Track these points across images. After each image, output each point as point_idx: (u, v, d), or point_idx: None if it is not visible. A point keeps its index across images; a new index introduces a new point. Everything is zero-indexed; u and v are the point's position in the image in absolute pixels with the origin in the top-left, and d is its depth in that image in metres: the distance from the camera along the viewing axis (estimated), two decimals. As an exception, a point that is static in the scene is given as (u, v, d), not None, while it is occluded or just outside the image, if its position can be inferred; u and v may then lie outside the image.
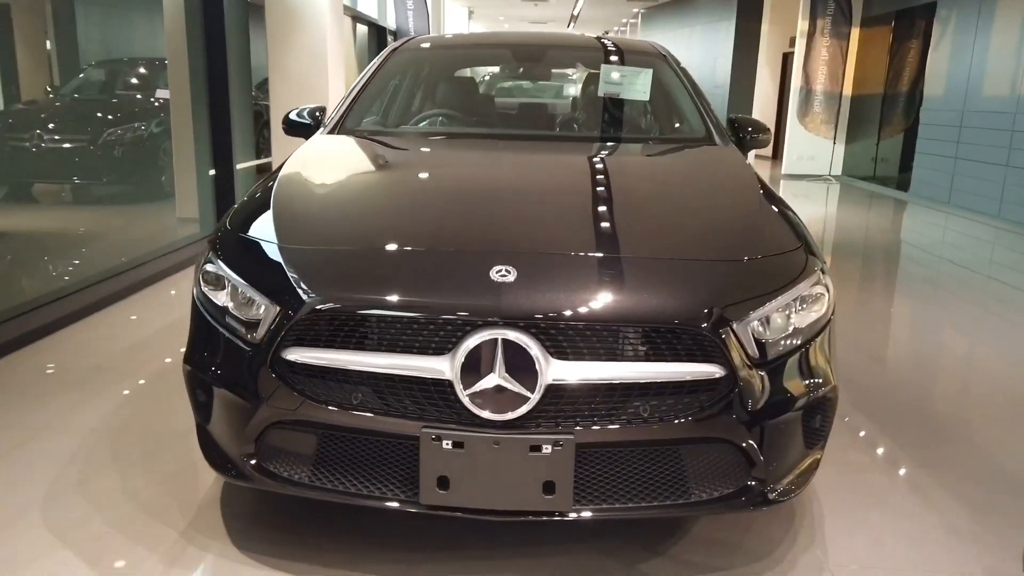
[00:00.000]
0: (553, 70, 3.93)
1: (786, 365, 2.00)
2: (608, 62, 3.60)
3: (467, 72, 4.11)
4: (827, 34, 12.29)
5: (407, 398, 1.90)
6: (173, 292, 5.02)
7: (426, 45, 3.94)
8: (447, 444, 1.85)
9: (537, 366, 1.83)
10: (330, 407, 1.92)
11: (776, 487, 2.02)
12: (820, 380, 2.07)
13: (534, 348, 1.83)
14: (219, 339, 2.09)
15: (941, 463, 2.86)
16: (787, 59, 14.64)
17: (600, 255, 2.09)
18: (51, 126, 8.34)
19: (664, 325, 1.88)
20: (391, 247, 2.11)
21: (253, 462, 2.03)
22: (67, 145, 8.16)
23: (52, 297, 4.16)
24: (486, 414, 1.85)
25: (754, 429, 1.94)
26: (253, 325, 2.01)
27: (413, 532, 2.29)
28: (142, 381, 3.41)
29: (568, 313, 1.86)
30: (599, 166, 2.91)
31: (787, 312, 2.02)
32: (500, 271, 1.94)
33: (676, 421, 1.89)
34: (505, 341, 1.83)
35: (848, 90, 12.68)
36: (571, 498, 1.88)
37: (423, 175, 2.78)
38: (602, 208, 2.40)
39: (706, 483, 1.97)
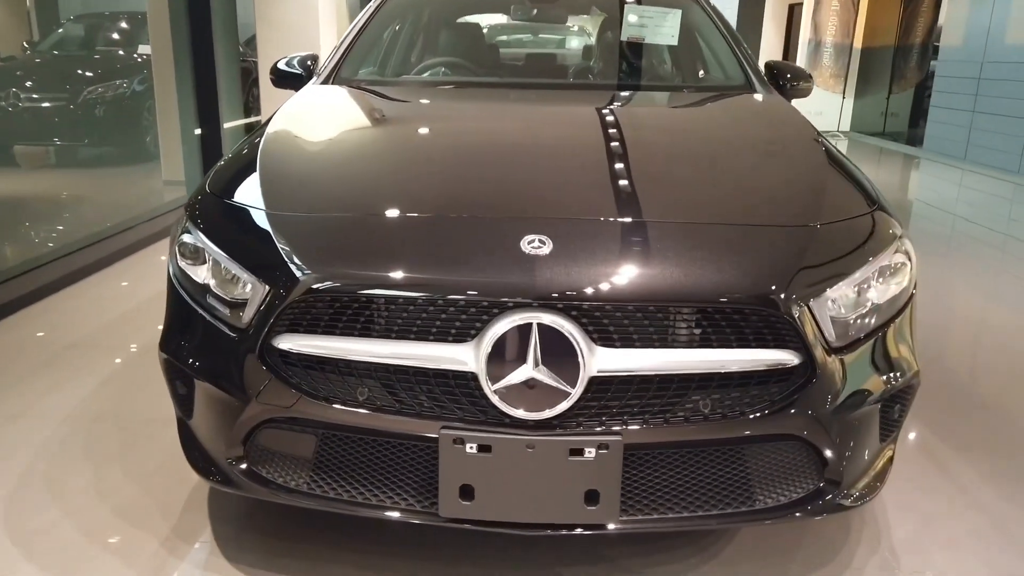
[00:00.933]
0: (570, 13, 3.55)
1: (867, 349, 1.70)
2: (630, 2, 3.23)
3: (473, 17, 3.73)
4: (839, -17, 11.81)
5: (423, 394, 1.60)
6: (163, 258, 4.68)
7: None
8: (471, 448, 1.56)
9: (578, 355, 1.52)
10: (332, 404, 1.62)
11: (851, 490, 1.74)
12: (903, 366, 1.77)
13: (575, 334, 1.52)
14: (199, 323, 1.78)
15: (997, 446, 2.59)
16: (792, 11, 14.12)
17: (649, 221, 1.77)
18: (28, 84, 7.94)
19: (729, 304, 1.57)
20: (399, 214, 1.79)
21: (242, 467, 1.73)
22: (46, 104, 7.77)
23: (30, 266, 3.85)
24: (518, 413, 1.55)
25: (830, 424, 1.65)
26: (239, 305, 1.70)
27: (425, 541, 2.00)
28: (122, 360, 3.11)
29: (615, 292, 1.55)
30: (632, 119, 2.57)
31: (866, 286, 1.72)
32: (532, 241, 1.62)
33: (742, 418, 1.59)
34: (540, 326, 1.52)
35: (859, 42, 12.22)
36: (618, 509, 1.59)
37: (431, 130, 2.44)
38: (644, 166, 2.07)
39: (773, 487, 1.68)
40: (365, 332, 1.61)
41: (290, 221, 1.79)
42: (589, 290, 1.54)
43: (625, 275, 1.58)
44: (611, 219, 1.76)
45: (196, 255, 1.82)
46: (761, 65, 3.03)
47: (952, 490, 2.30)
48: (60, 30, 9.23)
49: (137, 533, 2.02)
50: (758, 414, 1.59)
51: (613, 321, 1.55)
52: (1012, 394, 3.03)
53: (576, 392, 1.53)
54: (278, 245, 1.69)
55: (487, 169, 2.06)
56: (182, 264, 1.85)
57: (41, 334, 3.39)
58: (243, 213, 1.85)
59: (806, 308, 1.59)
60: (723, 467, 1.65)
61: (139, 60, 8.32)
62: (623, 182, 1.97)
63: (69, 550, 1.95)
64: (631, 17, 3.09)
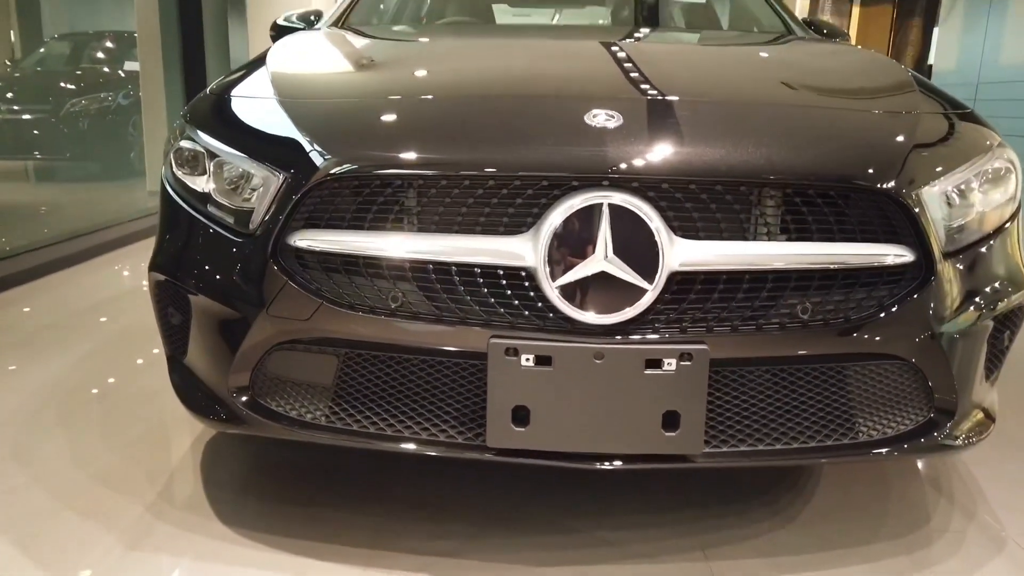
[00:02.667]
0: None
1: (978, 256, 1.47)
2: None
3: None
4: (828, 12, 11.89)
5: (469, 296, 1.34)
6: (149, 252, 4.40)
7: None
8: (527, 360, 1.29)
9: (658, 245, 1.28)
10: (358, 312, 1.35)
11: (961, 427, 1.49)
12: (1015, 280, 1.54)
13: (654, 219, 1.28)
14: (199, 232, 1.52)
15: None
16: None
17: (735, 100, 1.55)
18: (8, 97, 7.73)
19: (832, 187, 1.33)
20: (438, 94, 1.56)
21: (245, 398, 1.45)
22: (26, 116, 7.54)
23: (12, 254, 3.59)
24: (585, 316, 1.29)
25: (942, 342, 1.40)
26: (246, 213, 1.44)
27: (445, 504, 1.72)
28: (101, 339, 2.81)
29: (699, 169, 1.31)
30: (686, 38, 2.35)
31: (970, 189, 1.49)
32: (598, 116, 1.38)
33: (846, 325, 1.34)
34: (612, 209, 1.27)
35: (848, 70, 12.28)
36: (702, 436, 1.33)
37: (464, 40, 2.22)
38: (714, 60, 1.85)
39: (877, 417, 1.43)
40: (398, 225, 1.36)
41: (307, 106, 1.54)
42: (670, 166, 1.30)
43: (710, 151, 1.34)
44: (689, 98, 1.53)
45: (195, 163, 1.57)
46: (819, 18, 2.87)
47: (1040, 454, 2.05)
48: (42, 48, 9.05)
49: (119, 498, 1.72)
50: (865, 321, 1.34)
51: (697, 205, 1.31)
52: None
53: (655, 289, 1.28)
54: (293, 129, 1.44)
55: (534, 59, 1.84)
56: (179, 173, 1.59)
57: (12, 319, 3.09)
58: (250, 105, 1.61)
59: (918, 198, 1.36)
60: (822, 391, 1.40)
61: (123, 76, 8.13)
62: (693, 68, 1.74)
63: (39, 514, 1.65)
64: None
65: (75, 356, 2.61)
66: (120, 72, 8.35)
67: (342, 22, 2.64)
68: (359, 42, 2.15)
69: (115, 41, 9.20)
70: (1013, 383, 2.54)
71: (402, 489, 1.77)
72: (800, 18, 2.88)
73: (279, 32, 2.79)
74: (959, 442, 1.46)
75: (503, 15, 3.22)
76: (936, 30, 10.18)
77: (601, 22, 3.15)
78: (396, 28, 2.67)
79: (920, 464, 1.95)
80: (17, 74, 8.42)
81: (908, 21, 11.32)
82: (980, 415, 1.52)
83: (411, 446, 1.38)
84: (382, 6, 2.95)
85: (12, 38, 9.40)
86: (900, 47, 11.39)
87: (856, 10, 12.17)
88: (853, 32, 12.13)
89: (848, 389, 1.41)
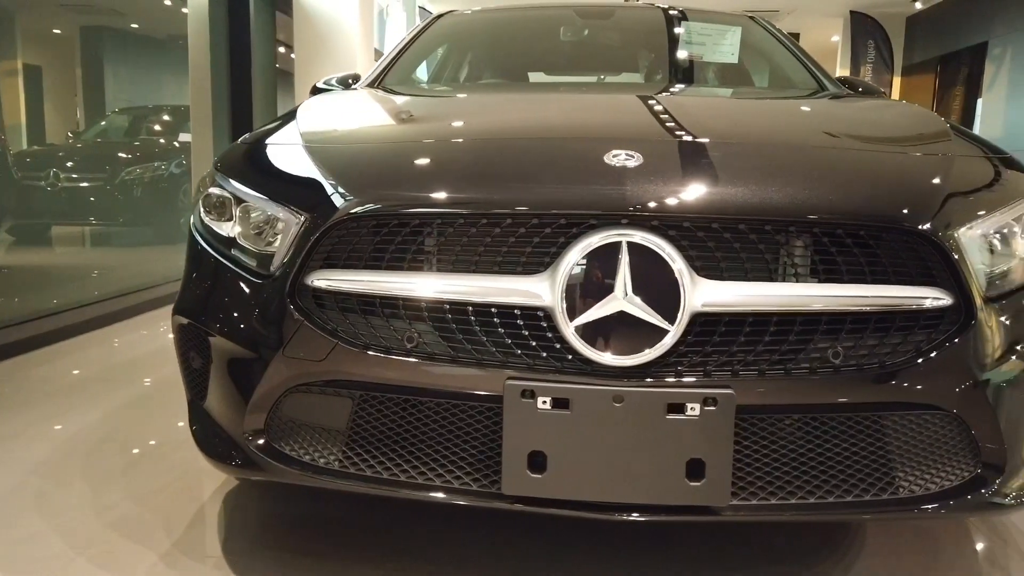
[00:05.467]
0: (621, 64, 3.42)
1: (1021, 304, 1.39)
2: (682, 24, 3.09)
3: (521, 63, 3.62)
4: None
5: (486, 337, 1.31)
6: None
7: (469, 15, 3.46)
8: (544, 403, 1.25)
9: (679, 285, 1.24)
10: (372, 353, 1.33)
11: (1012, 484, 1.39)
12: (1063, 329, 1.45)
13: (675, 258, 1.24)
14: (222, 276, 1.53)
15: None
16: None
17: (762, 142, 1.53)
18: (69, 166, 8.09)
19: (865, 224, 1.29)
20: (459, 139, 1.57)
21: (260, 442, 1.43)
22: (84, 184, 7.87)
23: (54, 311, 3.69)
24: (604, 357, 1.25)
25: (986, 392, 1.32)
26: (267, 257, 1.45)
27: (467, 554, 1.66)
28: (134, 393, 2.83)
29: (722, 206, 1.28)
30: (715, 93, 2.35)
31: (1011, 233, 1.43)
32: (619, 155, 1.37)
33: (881, 371, 1.28)
34: (631, 247, 1.24)
35: (891, 139, 12.22)
36: (728, 488, 1.26)
37: (493, 95, 2.25)
38: (740, 107, 1.84)
39: (919, 471, 1.34)
40: (415, 265, 1.35)
41: (329, 151, 1.56)
42: (691, 204, 1.27)
43: (733, 190, 1.31)
44: (712, 139, 1.51)
45: (222, 209, 1.59)
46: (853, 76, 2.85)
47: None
48: (103, 122, 9.51)
49: (133, 547, 1.69)
50: (902, 367, 1.27)
51: (720, 245, 1.27)
52: None
53: (676, 331, 1.24)
54: (315, 172, 1.46)
55: (557, 108, 1.85)
56: (206, 219, 1.61)
57: (56, 369, 3.15)
58: (277, 152, 1.63)
59: (955, 240, 1.30)
60: (859, 441, 1.32)
61: (177, 147, 8.49)
62: (721, 113, 1.73)
63: (53, 560, 1.63)
64: (691, 34, 2.94)
65: (110, 408, 2.62)
66: (175, 143, 8.72)
67: (378, 83, 2.71)
68: (388, 98, 2.20)
69: (171, 114, 9.63)
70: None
71: (420, 542, 1.71)
72: (836, 77, 2.87)
73: (318, 94, 2.87)
74: (1009, 500, 1.36)
75: (538, 80, 3.28)
76: (980, 100, 10.10)
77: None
78: (427, 87, 2.74)
79: (973, 528, 1.82)
80: (79, 145, 8.84)
81: (951, 91, 11.28)
82: (1032, 472, 1.41)
83: (424, 493, 1.34)
84: (418, 72, 3.02)
85: (78, 114, 9.95)
86: (943, 116, 11.32)
87: (897, 80, 12.19)
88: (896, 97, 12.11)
89: (886, 440, 1.33)
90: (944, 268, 1.28)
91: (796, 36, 13.53)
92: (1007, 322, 1.36)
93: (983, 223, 1.36)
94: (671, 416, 1.24)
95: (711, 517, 1.28)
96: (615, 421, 1.24)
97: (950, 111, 11.27)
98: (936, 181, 1.40)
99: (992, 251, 1.39)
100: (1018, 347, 1.36)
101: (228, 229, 1.56)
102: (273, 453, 1.42)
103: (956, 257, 1.28)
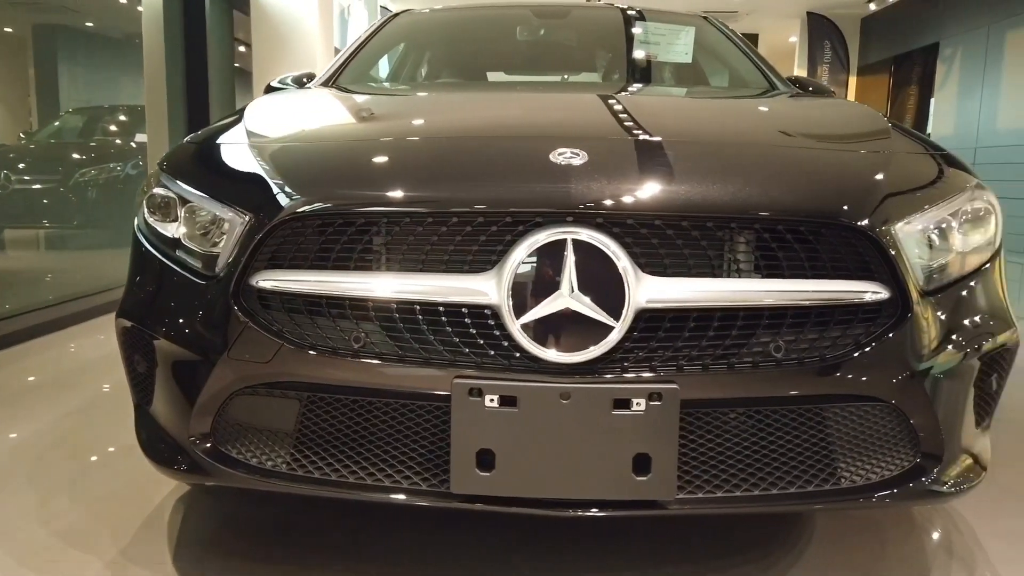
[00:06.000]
0: (580, 64, 3.44)
1: (958, 295, 1.43)
2: (639, 26, 3.11)
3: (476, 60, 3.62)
4: (825, 83, 12.13)
5: (433, 336, 1.31)
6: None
7: (426, 14, 3.45)
8: (491, 401, 1.25)
9: (624, 282, 1.25)
10: (319, 354, 1.32)
11: (950, 472, 1.42)
12: (999, 320, 1.49)
13: (619, 255, 1.25)
14: (166, 278, 1.50)
15: None
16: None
17: (706, 141, 1.55)
18: (21, 167, 7.90)
19: (804, 223, 1.31)
20: (406, 137, 1.56)
21: (207, 446, 1.41)
22: (36, 187, 7.69)
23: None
24: (550, 354, 1.26)
25: (924, 383, 1.35)
26: (212, 259, 1.43)
27: (426, 555, 1.65)
28: (87, 398, 2.77)
29: (666, 204, 1.29)
30: (657, 93, 2.37)
31: (948, 229, 1.47)
32: (564, 153, 1.38)
33: (821, 364, 1.30)
34: (577, 245, 1.25)
35: (848, 138, 12.45)
36: (675, 481, 1.27)
37: (444, 94, 2.25)
38: (685, 105, 1.86)
39: (860, 462, 1.37)
40: (362, 265, 1.34)
41: (274, 150, 1.55)
42: (635, 201, 1.28)
43: (677, 187, 1.33)
44: (657, 137, 1.52)
45: (167, 210, 1.56)
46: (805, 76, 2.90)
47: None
48: (57, 122, 9.30)
49: (79, 556, 1.66)
50: (841, 360, 1.30)
51: (664, 242, 1.29)
52: None
53: (621, 327, 1.25)
54: (259, 171, 1.45)
55: (508, 106, 1.86)
56: (150, 220, 1.58)
57: (20, 368, 3.07)
58: (223, 151, 1.61)
59: (892, 235, 1.33)
60: (801, 433, 1.34)
61: (133, 147, 8.33)
62: (666, 112, 1.75)
63: (-9, 572, 1.59)
64: (645, 34, 2.97)
65: (61, 413, 2.57)
66: (131, 144, 8.56)
67: (332, 82, 2.68)
68: (339, 97, 2.19)
69: (127, 114, 9.45)
70: (1012, 435, 2.47)
71: (375, 543, 1.70)
72: (787, 76, 2.91)
73: (272, 93, 2.84)
74: (947, 488, 1.40)
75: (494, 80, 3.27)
76: (933, 99, 10.34)
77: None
78: (381, 86, 2.72)
79: (918, 517, 1.87)
80: (32, 146, 8.63)
81: (905, 90, 11.54)
82: (969, 461, 1.45)
83: (373, 494, 1.33)
84: (375, 69, 3.01)
85: (31, 114, 9.71)
86: (898, 115, 11.57)
87: (853, 80, 12.42)
88: (852, 98, 12.34)
89: (828, 432, 1.35)
90: (881, 262, 1.31)
91: (755, 37, 13.74)
92: (944, 315, 1.39)
93: (920, 218, 1.40)
94: (617, 412, 1.25)
95: (658, 511, 1.30)
96: (562, 418, 1.25)
97: (904, 110, 11.53)
98: (874, 178, 1.43)
99: (931, 246, 1.42)
100: (954, 338, 1.39)
101: (173, 230, 1.53)
102: (220, 457, 1.41)
103: (893, 251, 1.31)
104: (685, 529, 1.77)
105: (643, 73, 3.04)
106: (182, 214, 1.52)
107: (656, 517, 1.61)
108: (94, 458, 2.19)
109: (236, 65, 8.90)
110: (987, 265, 1.52)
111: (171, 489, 1.97)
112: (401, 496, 1.32)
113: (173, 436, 1.47)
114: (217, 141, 1.67)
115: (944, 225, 1.45)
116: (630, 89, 2.40)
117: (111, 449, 2.26)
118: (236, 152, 1.58)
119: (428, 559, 1.65)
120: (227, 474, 1.40)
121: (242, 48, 8.91)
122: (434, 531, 1.75)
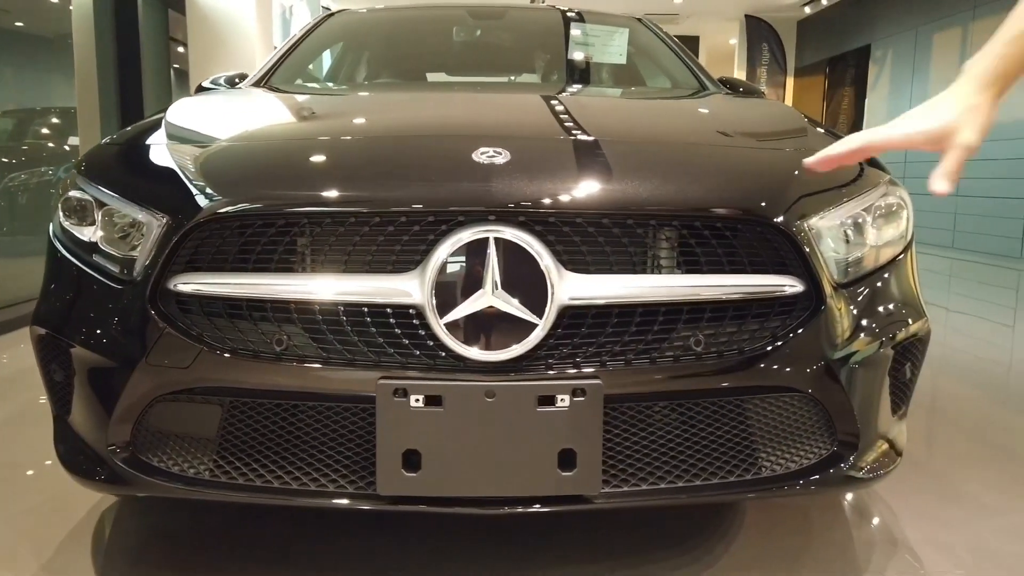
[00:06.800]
0: (518, 65, 3.46)
1: (871, 287, 1.48)
2: (576, 28, 3.14)
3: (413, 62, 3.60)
4: (763, 84, 12.40)
5: (357, 337, 1.30)
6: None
7: (362, 14, 3.42)
8: (417, 401, 1.25)
9: (547, 280, 1.26)
10: (240, 358, 1.30)
11: (866, 458, 1.47)
12: (911, 310, 1.55)
13: (542, 253, 1.26)
14: (83, 284, 1.46)
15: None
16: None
17: (626, 140, 1.57)
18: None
19: (722, 219, 1.34)
20: (327, 137, 1.55)
21: (126, 455, 1.37)
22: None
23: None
24: (474, 353, 1.26)
25: (839, 373, 1.40)
26: (130, 262, 1.40)
27: (374, 555, 1.64)
28: (18, 407, 2.68)
29: (587, 202, 1.31)
30: (592, 89, 2.40)
31: (861, 223, 1.52)
32: (486, 152, 1.38)
33: (740, 357, 1.33)
34: (499, 243, 1.26)
35: (786, 137, 12.75)
36: (599, 475, 1.29)
37: (374, 93, 2.24)
38: (611, 106, 1.89)
39: (780, 451, 1.41)
40: (284, 266, 1.32)
41: (195, 152, 1.52)
42: (557, 200, 1.30)
43: (597, 185, 1.34)
44: (578, 136, 1.54)
45: (83, 213, 1.52)
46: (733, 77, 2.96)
47: (965, 496, 2.04)
48: (-14, 125, 8.95)
49: (-4, 572, 1.60)
50: (759, 352, 1.33)
51: (586, 239, 1.30)
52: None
53: (545, 324, 1.26)
54: (177, 173, 1.42)
55: (435, 106, 1.86)
56: (66, 224, 1.54)
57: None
58: (141, 153, 1.58)
59: (805, 231, 1.37)
60: (722, 425, 1.37)
61: (67, 150, 8.08)
62: (590, 113, 1.78)
63: (-100, 593, 1.52)
64: (579, 35, 2.99)
65: (-23, 428, 2.47)
66: (65, 147, 8.29)
67: (264, 82, 2.64)
68: (267, 97, 2.16)
69: (60, 117, 9.16)
70: (938, 420, 2.56)
71: (308, 547, 1.68)
72: (718, 77, 2.97)
73: (203, 93, 2.78)
74: (864, 474, 1.44)
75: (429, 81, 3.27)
76: (867, 99, 10.67)
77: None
78: (312, 86, 2.69)
79: (843, 502, 1.93)
80: (-42, 149, 8.29)
81: (839, 91, 11.87)
82: (885, 446, 1.51)
83: (299, 498, 1.31)
84: (311, 69, 2.97)
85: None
86: (834, 115, 11.91)
87: (791, 81, 12.73)
88: (789, 102, 12.67)
89: (749, 423, 1.38)
90: (796, 257, 1.35)
91: (696, 39, 13.99)
92: (858, 306, 1.44)
93: (834, 213, 1.44)
94: (542, 408, 1.26)
95: (584, 506, 1.31)
96: (487, 416, 1.25)
97: (840, 110, 11.86)
98: (787, 173, 1.46)
99: (845, 240, 1.47)
100: (868, 329, 1.44)
101: (90, 234, 1.49)
102: (140, 466, 1.37)
103: (807, 246, 1.35)
104: (625, 522, 1.79)
105: (579, 74, 3.06)
106: (99, 217, 1.48)
107: (589, 512, 1.62)
108: (22, 471, 2.12)
109: (176, 66, 8.69)
110: (900, 257, 1.58)
111: (96, 501, 1.91)
112: (327, 500, 1.31)
113: (92, 446, 1.43)
114: (136, 142, 1.63)
115: (858, 220, 1.50)
116: (561, 89, 2.43)
117: (41, 461, 2.18)
118: (154, 153, 1.54)
119: (359, 560, 1.63)
120: (148, 483, 1.37)
121: (181, 49, 8.72)
122: (375, 535, 1.74)
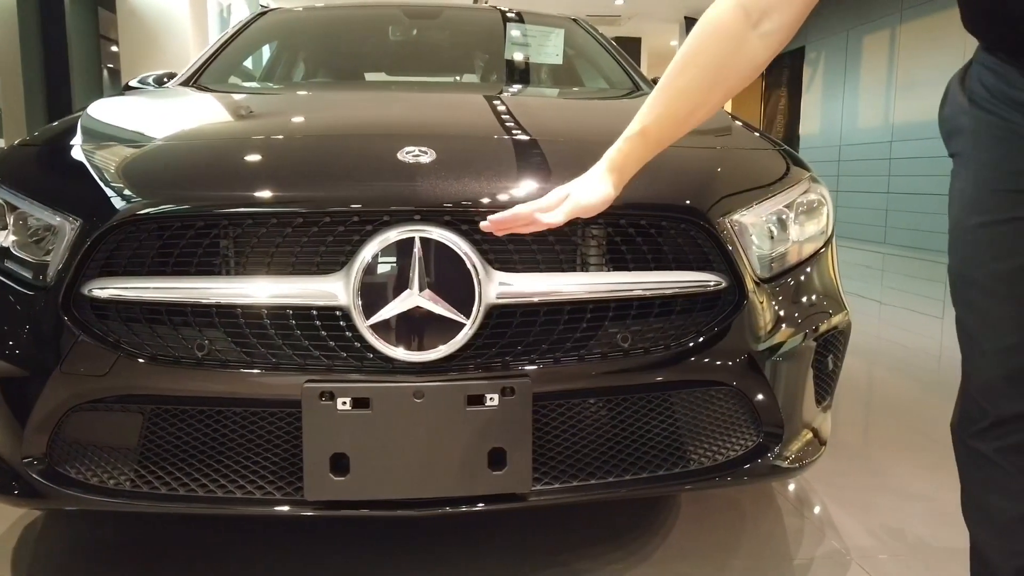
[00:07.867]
0: (458, 65, 3.45)
1: (793, 282, 1.52)
2: (513, 28, 3.14)
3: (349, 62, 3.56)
4: (703, 84, 12.60)
5: (282, 340, 1.27)
6: None
7: (295, 13, 3.36)
8: (344, 404, 1.23)
9: (474, 279, 1.26)
10: (161, 365, 1.26)
11: (791, 448, 1.51)
12: (832, 304, 1.59)
13: (469, 253, 1.26)
14: (-7, 290, 1.40)
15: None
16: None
17: (548, 138, 1.57)
18: None
19: (646, 217, 1.36)
20: (248, 137, 1.52)
21: (41, 468, 1.32)
22: None
23: None
24: (401, 353, 1.25)
25: (763, 366, 1.43)
26: (43, 267, 1.35)
27: (310, 552, 1.61)
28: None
29: (511, 201, 1.31)
30: (523, 91, 2.41)
31: (783, 220, 1.55)
32: (412, 151, 1.37)
33: (666, 352, 1.35)
34: (424, 243, 1.25)
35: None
36: (530, 473, 1.29)
37: (304, 92, 2.21)
38: (537, 104, 1.90)
39: (708, 444, 1.43)
40: (204, 269, 1.29)
41: (111, 153, 1.47)
42: (483, 199, 1.30)
43: (525, 184, 1.35)
44: (504, 135, 1.54)
45: (-4, 218, 1.46)
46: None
47: (893, 482, 2.11)
48: None
49: (-94, 595, 1.53)
50: (684, 347, 1.35)
51: (513, 237, 1.30)
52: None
53: (472, 324, 1.26)
54: (91, 175, 1.37)
55: (364, 106, 1.85)
56: (-23, 229, 1.48)
57: None
58: (55, 155, 1.52)
59: (728, 227, 1.40)
60: (650, 419, 1.39)
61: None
62: (518, 112, 1.78)
63: None
64: (514, 35, 3.00)
65: None
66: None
67: (192, 81, 2.58)
68: (192, 96, 2.11)
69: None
70: (870, 409, 2.64)
71: (242, 555, 1.65)
72: (652, 78, 3.01)
73: (130, 92, 2.70)
74: (789, 464, 1.48)
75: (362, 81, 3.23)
76: (802, 100, 10.95)
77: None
78: (242, 85, 2.64)
79: (777, 492, 1.97)
80: None
81: (776, 92, 12.16)
82: (810, 436, 1.55)
83: (224, 507, 1.28)
84: (244, 68, 2.91)
85: None
86: (771, 116, 12.19)
87: (729, 82, 12.95)
88: (728, 104, 12.90)
89: (676, 417, 1.40)
90: (718, 253, 1.37)
91: (638, 41, 14.16)
92: (780, 300, 1.47)
93: (756, 210, 1.47)
94: (471, 408, 1.25)
95: (516, 504, 1.31)
96: (416, 417, 1.24)
97: (777, 111, 12.14)
98: (712, 172, 1.49)
99: (768, 236, 1.50)
100: (790, 322, 1.48)
101: (1, 239, 1.43)
102: (57, 478, 1.32)
103: (729, 242, 1.37)
104: (559, 519, 1.80)
105: (518, 74, 3.07)
106: (11, 221, 1.42)
107: (522, 510, 1.62)
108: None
109: (110, 66, 8.42)
110: (821, 252, 1.62)
111: (19, 516, 1.84)
112: (254, 508, 1.28)
113: (6, 459, 1.37)
114: (50, 144, 1.58)
115: (780, 216, 1.53)
116: (496, 89, 2.43)
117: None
118: (69, 154, 1.49)
119: (295, 567, 1.60)
120: (66, 496, 1.32)
121: (115, 48, 8.47)
122: (312, 539, 1.71)
